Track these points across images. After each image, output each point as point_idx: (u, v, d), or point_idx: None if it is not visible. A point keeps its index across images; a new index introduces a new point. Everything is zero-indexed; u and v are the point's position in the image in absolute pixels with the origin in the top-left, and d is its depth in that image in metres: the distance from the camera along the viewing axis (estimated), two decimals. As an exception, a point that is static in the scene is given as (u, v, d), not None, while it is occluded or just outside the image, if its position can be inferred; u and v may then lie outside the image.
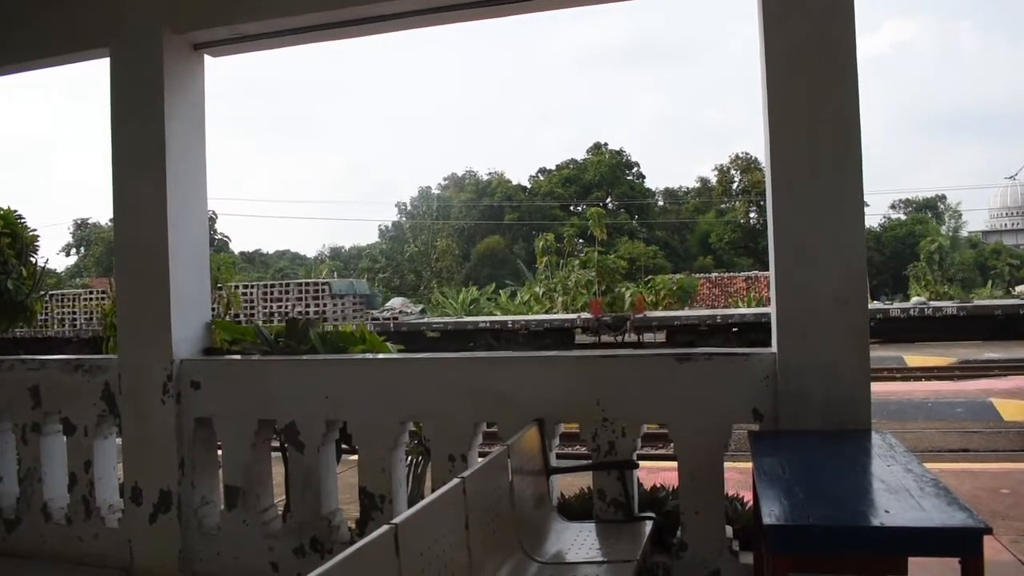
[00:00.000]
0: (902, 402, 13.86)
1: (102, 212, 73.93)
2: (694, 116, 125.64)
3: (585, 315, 32.66)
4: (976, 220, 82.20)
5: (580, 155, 74.81)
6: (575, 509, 4.47)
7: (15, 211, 7.34)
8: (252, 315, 33.92)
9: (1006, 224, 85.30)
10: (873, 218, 68.00)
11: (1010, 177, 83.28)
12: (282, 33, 4.96)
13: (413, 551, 2.38)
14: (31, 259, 7.41)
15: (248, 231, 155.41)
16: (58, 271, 57.18)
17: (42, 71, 5.76)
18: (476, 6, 4.59)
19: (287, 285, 37.45)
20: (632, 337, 30.93)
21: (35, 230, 7.59)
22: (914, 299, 36.51)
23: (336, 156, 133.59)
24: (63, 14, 5.14)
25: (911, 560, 2.61)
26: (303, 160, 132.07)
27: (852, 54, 3.77)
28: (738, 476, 5.58)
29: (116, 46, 4.99)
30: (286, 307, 34.83)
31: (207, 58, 5.20)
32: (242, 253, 71.98)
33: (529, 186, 73.76)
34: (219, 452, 4.96)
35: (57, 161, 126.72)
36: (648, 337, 30.90)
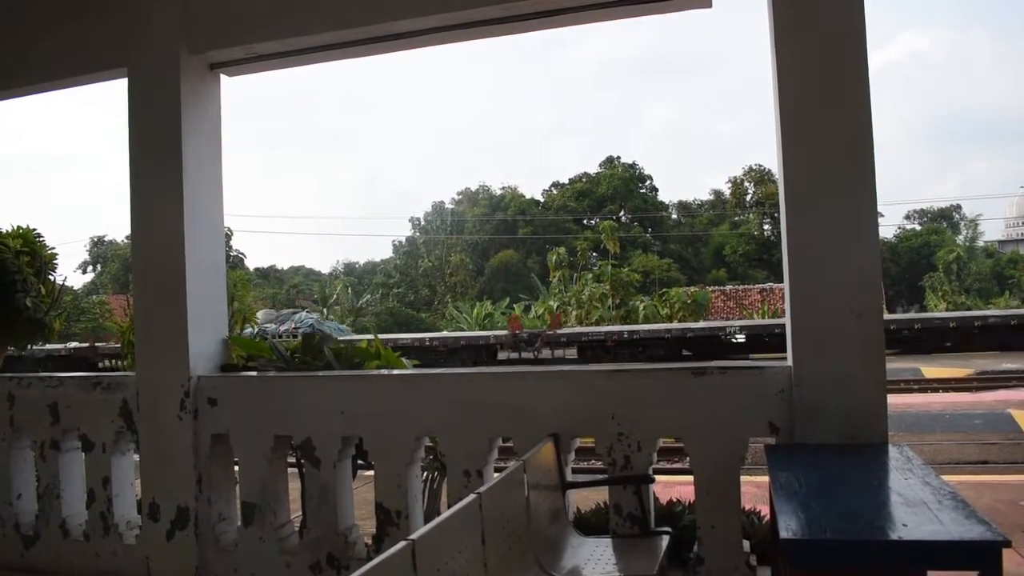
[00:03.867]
0: (919, 414, 13.77)
1: (118, 229, 74.44)
2: (708, 128, 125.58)
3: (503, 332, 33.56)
4: (992, 230, 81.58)
5: (593, 168, 75.04)
6: (591, 524, 4.47)
7: (34, 229, 7.41)
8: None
9: (1022, 233, 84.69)
10: (888, 229, 67.70)
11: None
12: (298, 52, 5.01)
13: (430, 567, 2.39)
14: (49, 277, 7.47)
15: (263, 247, 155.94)
16: (75, 288, 57.52)
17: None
18: (490, 24, 4.62)
19: None
20: (547, 353, 32.09)
21: (53, 248, 7.66)
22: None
23: (350, 171, 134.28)
24: (81, 35, 5.22)
25: (930, 574, 2.59)
26: (317, 175, 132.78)
27: (864, 66, 3.77)
28: (755, 490, 5.55)
29: (134, 66, 5.06)
30: None
31: (223, 77, 5.26)
32: (257, 269, 72.19)
33: (542, 200, 73.94)
34: (236, 468, 4.99)
35: (74, 178, 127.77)
36: (559, 353, 32.38)
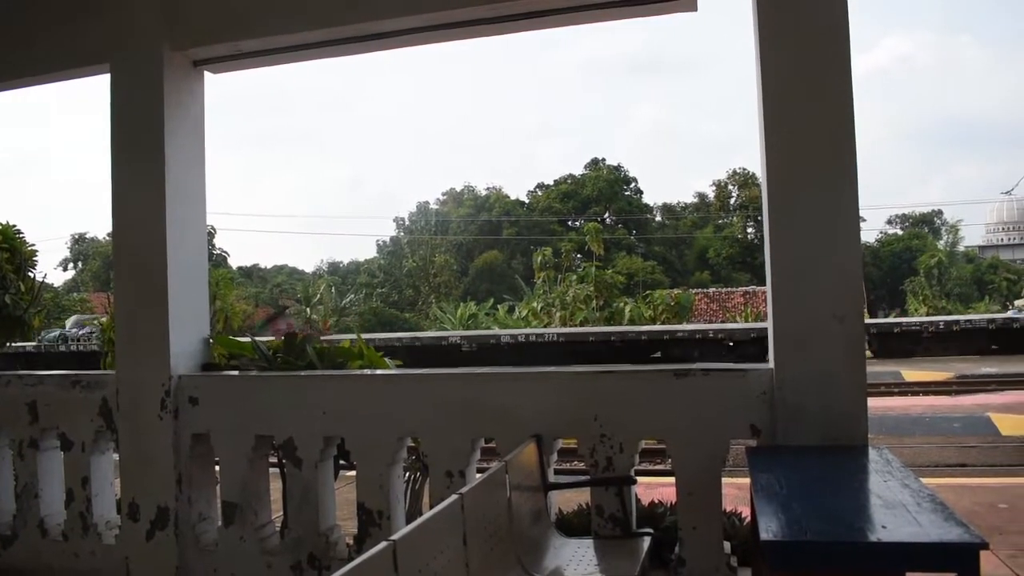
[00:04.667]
0: (899, 417, 13.86)
1: (100, 227, 73.89)
2: (692, 130, 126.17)
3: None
4: (972, 235, 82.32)
5: (578, 170, 75.19)
6: (573, 525, 4.47)
7: (14, 226, 7.36)
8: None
9: (1003, 239, 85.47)
10: (870, 233, 68.21)
11: (1007, 192, 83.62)
12: (282, 50, 4.99)
13: (412, 567, 2.38)
14: (29, 274, 7.42)
15: (246, 246, 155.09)
16: (55, 286, 57.04)
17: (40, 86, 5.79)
18: (475, 24, 4.61)
19: None
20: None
21: (33, 245, 7.60)
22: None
23: (334, 170, 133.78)
24: (64, 31, 5.17)
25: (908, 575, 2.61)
26: (301, 174, 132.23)
27: (847, 71, 3.80)
28: (736, 492, 5.58)
29: (117, 63, 5.02)
30: None
31: (207, 74, 5.23)
32: (240, 268, 71.83)
33: (527, 201, 74.00)
34: (217, 468, 4.96)
35: (55, 175, 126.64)
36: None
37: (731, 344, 28.77)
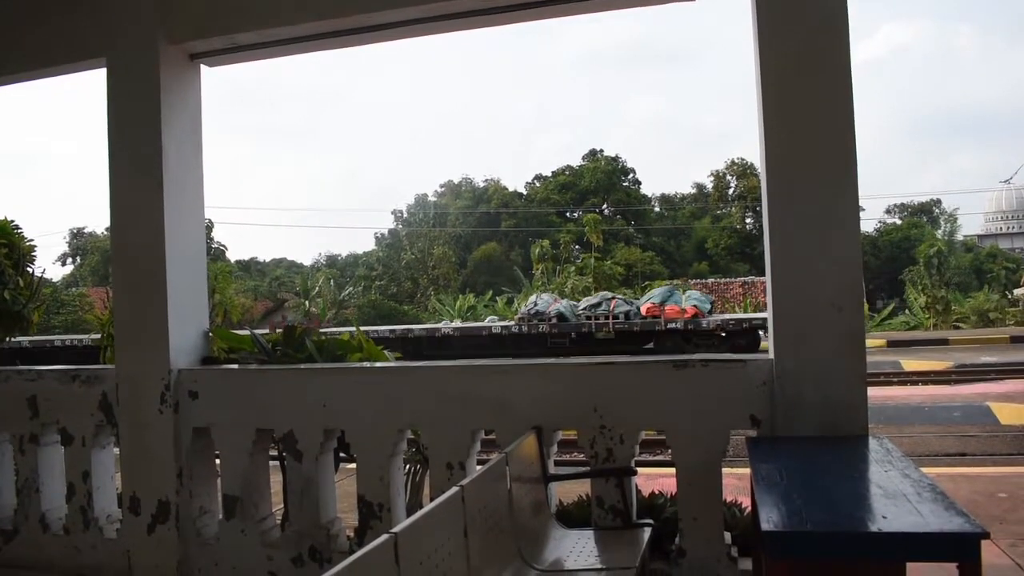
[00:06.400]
0: (899, 407, 13.86)
1: (98, 221, 73.78)
2: (690, 121, 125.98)
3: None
4: (971, 224, 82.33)
5: (576, 161, 74.99)
6: (573, 516, 4.48)
7: (12, 221, 7.33)
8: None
9: (1001, 228, 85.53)
10: (869, 223, 68.02)
11: (1005, 181, 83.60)
12: (279, 43, 4.96)
13: (413, 560, 2.39)
14: (28, 269, 7.39)
15: (244, 239, 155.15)
16: (54, 281, 56.94)
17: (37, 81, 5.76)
18: (472, 15, 4.60)
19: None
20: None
21: (32, 240, 7.58)
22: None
23: (331, 163, 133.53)
24: (59, 25, 5.15)
25: (909, 565, 2.61)
26: (298, 167, 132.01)
27: (847, 60, 3.78)
28: (736, 482, 5.59)
29: (112, 57, 5.00)
30: None
31: (203, 68, 5.21)
32: (238, 261, 71.69)
33: (525, 193, 73.83)
34: (217, 462, 4.96)
35: (52, 170, 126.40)
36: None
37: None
